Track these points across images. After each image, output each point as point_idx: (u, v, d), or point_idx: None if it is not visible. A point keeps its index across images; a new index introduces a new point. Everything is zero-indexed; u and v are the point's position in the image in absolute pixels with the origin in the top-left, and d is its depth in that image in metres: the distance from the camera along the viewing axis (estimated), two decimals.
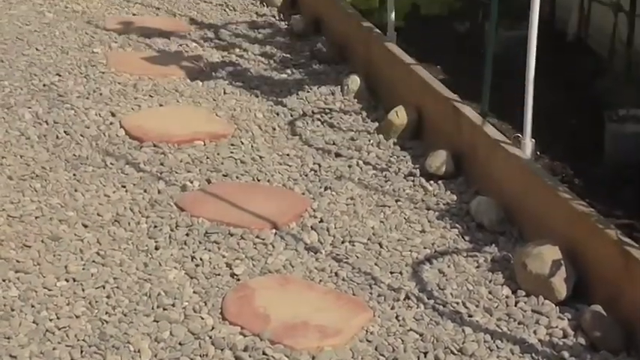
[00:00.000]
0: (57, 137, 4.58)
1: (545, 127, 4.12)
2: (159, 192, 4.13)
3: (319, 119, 4.93)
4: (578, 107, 4.50)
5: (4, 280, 3.44)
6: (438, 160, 4.28)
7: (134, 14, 6.49)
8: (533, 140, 3.91)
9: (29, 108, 4.84)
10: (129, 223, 3.87)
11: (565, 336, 3.19)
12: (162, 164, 4.37)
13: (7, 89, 5.05)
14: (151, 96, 5.14)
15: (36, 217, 3.87)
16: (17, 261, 3.55)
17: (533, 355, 3.09)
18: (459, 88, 4.60)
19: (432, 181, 4.25)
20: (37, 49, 5.65)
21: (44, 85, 5.15)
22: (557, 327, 3.22)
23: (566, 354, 3.08)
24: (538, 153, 4.01)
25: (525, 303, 3.36)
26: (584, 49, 5.12)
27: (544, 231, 3.59)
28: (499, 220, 3.86)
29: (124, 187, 4.16)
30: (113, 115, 4.84)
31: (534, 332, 3.21)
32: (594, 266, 3.34)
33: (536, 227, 3.68)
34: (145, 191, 4.13)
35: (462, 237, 3.83)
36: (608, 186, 3.81)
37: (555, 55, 4.91)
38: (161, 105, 5.06)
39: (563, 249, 3.39)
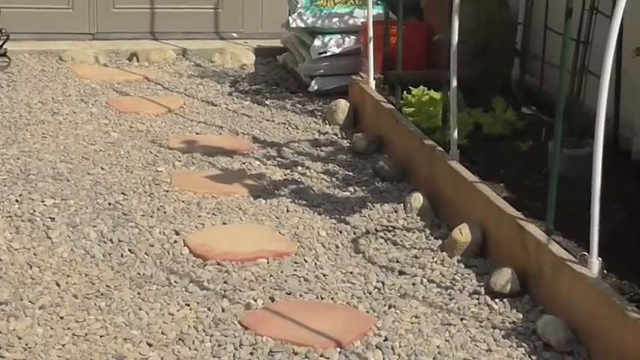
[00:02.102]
0: (121, 255, 4.63)
1: (612, 246, 4.08)
2: (223, 310, 4.14)
3: (382, 237, 4.93)
4: None
5: None
6: (503, 278, 4.25)
7: (197, 133, 6.60)
8: (600, 259, 3.87)
9: (94, 227, 4.91)
10: (193, 342, 3.87)
11: None
12: (225, 282, 4.39)
13: (73, 208, 5.13)
14: (214, 214, 5.19)
15: (101, 336, 3.88)
16: None
17: None
18: (522, 206, 4.60)
19: (497, 300, 4.21)
20: (102, 168, 5.75)
21: (109, 204, 5.23)
22: None
23: None
24: (605, 272, 3.96)
25: None
26: None
27: (613, 351, 3.53)
28: (567, 340, 3.80)
29: (188, 305, 4.18)
30: (177, 233, 4.89)
31: None
32: None
33: (606, 347, 3.62)
34: (209, 309, 4.14)
35: (529, 356, 3.78)
36: None
37: (620, 173, 4.89)
38: (224, 223, 5.10)
39: None
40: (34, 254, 4.56)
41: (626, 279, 3.98)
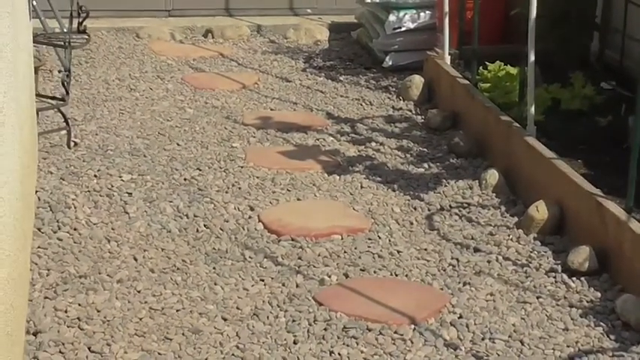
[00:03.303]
0: (197, 231, 4.66)
1: None
2: (297, 286, 4.15)
3: (457, 214, 4.90)
4: None
5: None
6: (581, 256, 4.19)
7: (272, 109, 6.61)
8: None
9: (170, 202, 4.95)
10: (267, 317, 3.89)
11: None
12: (300, 258, 4.40)
13: (150, 183, 5.18)
14: (288, 190, 5.20)
15: (177, 310, 3.92)
16: (159, 353, 3.60)
17: None
18: (601, 183, 4.53)
19: (574, 278, 4.16)
20: (177, 144, 5.79)
21: (185, 180, 5.27)
22: None
23: None
24: None
25: None
26: None
27: None
28: None
29: (263, 280, 4.20)
30: (252, 209, 4.91)
31: None
32: None
33: None
34: (284, 285, 4.15)
35: (608, 336, 3.73)
36: None
37: None
38: (299, 199, 5.11)
39: None
40: (112, 229, 4.62)
41: None
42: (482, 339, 3.72)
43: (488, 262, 4.36)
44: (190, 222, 4.75)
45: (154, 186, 5.15)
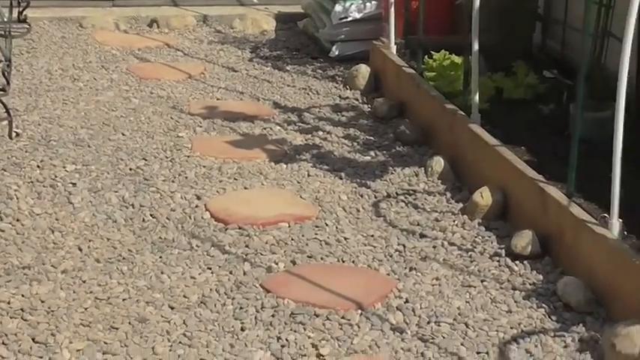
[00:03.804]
0: (143, 220, 4.65)
1: (633, 208, 4.07)
2: (244, 273, 4.16)
3: (403, 200, 4.94)
4: None
5: None
6: (524, 240, 4.25)
7: (218, 99, 6.61)
8: (621, 220, 3.87)
9: (116, 192, 4.93)
10: (215, 305, 3.90)
11: None
12: (247, 246, 4.41)
13: (94, 173, 5.15)
14: (235, 179, 5.20)
15: (123, 300, 3.92)
16: (105, 342, 3.59)
17: None
18: (543, 169, 4.59)
19: (517, 262, 4.22)
20: (123, 134, 5.77)
21: (130, 170, 5.25)
22: None
23: None
24: (625, 233, 3.95)
25: None
26: None
27: (633, 311, 3.52)
28: (587, 301, 3.80)
29: (210, 269, 4.20)
30: (198, 198, 4.91)
31: None
32: None
33: (626, 307, 3.62)
34: (231, 273, 4.16)
35: (549, 317, 3.79)
36: None
37: None
38: (246, 188, 5.12)
39: None
40: (56, 219, 4.59)
41: None
42: (428, 322, 3.76)
43: (434, 247, 4.41)
44: (136, 212, 4.74)
45: (99, 176, 5.13)
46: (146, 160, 5.40)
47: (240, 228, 4.58)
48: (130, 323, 3.73)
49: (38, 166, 5.19)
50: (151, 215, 4.70)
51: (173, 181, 5.11)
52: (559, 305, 3.86)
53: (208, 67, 7.30)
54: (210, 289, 4.02)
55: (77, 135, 5.72)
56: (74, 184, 4.98)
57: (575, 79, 4.19)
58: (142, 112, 6.19)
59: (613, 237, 3.84)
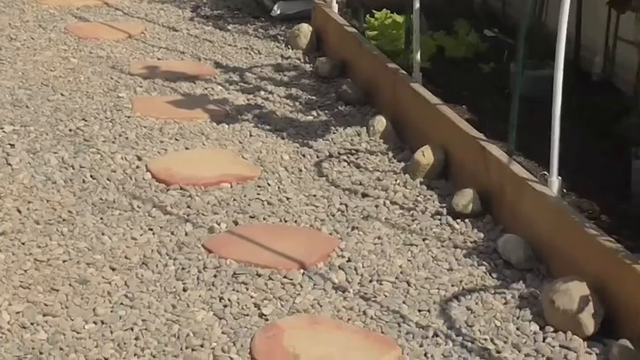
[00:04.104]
0: (83, 181, 4.61)
1: (572, 165, 4.11)
2: (186, 234, 4.14)
3: (345, 160, 4.94)
4: (605, 145, 4.49)
5: (32, 324, 3.45)
6: (465, 198, 4.28)
7: (159, 59, 6.54)
8: (560, 178, 3.91)
9: (55, 153, 4.87)
10: (156, 266, 3.88)
11: None
12: (189, 207, 4.39)
13: (33, 134, 5.09)
14: (177, 139, 5.16)
15: (63, 261, 3.88)
16: (45, 304, 3.57)
17: None
18: (485, 128, 4.62)
19: (458, 220, 4.24)
20: (62, 95, 5.69)
21: (70, 130, 5.19)
22: None
23: None
24: (565, 190, 4.00)
25: (553, 339, 3.35)
26: (609, 88, 5.12)
27: (572, 267, 3.57)
28: (527, 258, 3.84)
29: (151, 229, 4.18)
30: (139, 159, 4.87)
31: None
32: (622, 300, 3.33)
33: (564, 264, 3.66)
34: (173, 234, 4.15)
35: (490, 274, 3.82)
36: (635, 222, 3.79)
37: (581, 94, 4.91)
38: (187, 148, 5.09)
39: (590, 285, 3.38)
40: None
41: (585, 197, 4.03)
42: (370, 281, 3.78)
43: (376, 206, 4.42)
44: (76, 173, 4.69)
45: (38, 137, 5.06)
46: (86, 120, 5.33)
47: (181, 189, 4.55)
48: (70, 285, 3.71)
49: None
50: (91, 176, 4.65)
51: (113, 142, 5.06)
52: (499, 263, 3.89)
53: (148, 27, 7.22)
54: (152, 250, 4.00)
55: (15, 95, 5.63)
56: (12, 145, 4.91)
57: (516, 37, 4.20)
58: (82, 72, 6.11)
59: (552, 194, 3.88)
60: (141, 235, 4.13)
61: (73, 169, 4.72)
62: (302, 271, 3.85)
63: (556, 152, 3.86)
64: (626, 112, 4.66)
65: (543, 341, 3.35)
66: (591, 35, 5.33)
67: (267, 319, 3.51)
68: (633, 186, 4.04)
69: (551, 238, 3.81)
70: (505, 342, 3.35)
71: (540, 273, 3.80)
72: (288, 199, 4.50)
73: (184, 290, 3.70)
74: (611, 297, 3.38)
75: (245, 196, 4.51)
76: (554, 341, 3.34)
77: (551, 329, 3.40)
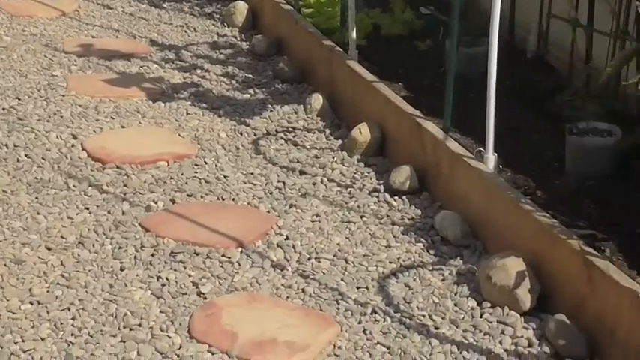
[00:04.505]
0: (17, 161, 4.55)
1: (508, 142, 4.15)
2: (123, 213, 4.12)
3: (283, 138, 4.94)
4: (539, 122, 4.54)
5: None
6: (402, 175, 4.30)
7: (93, 37, 6.47)
8: (496, 154, 3.94)
9: None
10: (93, 245, 3.85)
11: (530, 345, 3.21)
12: (125, 185, 4.36)
13: None
14: (112, 118, 5.12)
15: None
16: None
17: None
18: (421, 105, 4.64)
19: (396, 197, 4.27)
20: None
21: (3, 109, 5.12)
22: (522, 336, 3.25)
23: None
24: (501, 167, 4.04)
25: (491, 314, 3.39)
26: (543, 66, 5.18)
27: (508, 243, 3.61)
28: (463, 234, 3.88)
29: (88, 209, 4.15)
30: (75, 137, 4.82)
31: (500, 342, 3.24)
32: (558, 276, 3.37)
33: (501, 240, 3.70)
34: (109, 213, 4.12)
35: (427, 251, 3.85)
36: (570, 198, 3.85)
37: (515, 71, 4.96)
38: (123, 127, 5.05)
39: (527, 260, 3.42)
40: None
41: (521, 173, 4.07)
42: (309, 259, 3.79)
43: (314, 184, 4.43)
44: (10, 152, 4.63)
45: None
46: (19, 99, 5.26)
47: (118, 167, 4.52)
48: (5, 265, 3.67)
49: None
50: (25, 155, 4.60)
51: (48, 121, 5.01)
52: (437, 239, 3.93)
53: (82, 5, 7.13)
54: (88, 229, 3.97)
55: None
56: None
57: (451, 15, 4.22)
58: (15, 50, 6.02)
59: (488, 171, 3.91)
60: (77, 214, 4.09)
61: (7, 148, 4.66)
62: (240, 249, 3.85)
63: (491, 129, 3.90)
64: (560, 89, 4.72)
65: (481, 317, 3.39)
66: (526, 13, 5.38)
67: (205, 298, 3.50)
68: (567, 162, 4.10)
69: (488, 215, 3.85)
70: (443, 318, 3.38)
71: (477, 249, 3.84)
72: (225, 177, 4.49)
73: (121, 269, 3.68)
74: (547, 272, 3.42)
75: (182, 174, 4.49)
76: (491, 317, 3.38)
77: (489, 305, 3.44)
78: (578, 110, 4.30)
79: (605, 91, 4.41)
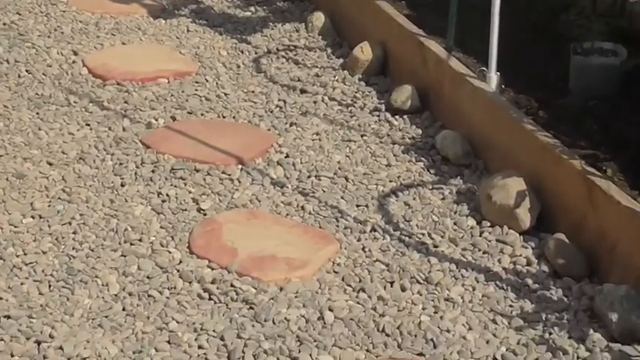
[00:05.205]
0: (19, 76, 4.53)
1: (511, 61, 4.12)
2: (124, 129, 4.11)
3: (284, 56, 4.91)
4: (544, 41, 4.50)
5: None
6: (404, 94, 4.28)
7: None
8: (499, 73, 3.92)
9: None
10: (94, 161, 3.85)
11: (529, 264, 3.23)
12: (126, 102, 4.34)
13: None
14: (113, 34, 5.09)
15: (0, 156, 3.83)
16: None
17: (498, 282, 3.14)
18: (424, 24, 4.60)
19: (397, 116, 4.25)
20: None
21: (4, 24, 5.09)
22: (521, 255, 3.27)
23: (529, 281, 3.13)
24: (503, 86, 4.01)
25: (490, 233, 3.40)
26: None
27: (509, 163, 3.61)
28: (464, 153, 3.87)
29: (88, 125, 4.14)
30: (75, 53, 4.80)
31: (499, 261, 3.25)
32: (558, 196, 3.38)
33: (502, 159, 3.70)
34: (110, 129, 4.11)
35: (428, 170, 3.85)
36: (573, 118, 3.82)
37: None
38: (124, 43, 5.02)
39: (527, 180, 3.42)
40: None
41: (523, 93, 4.04)
42: (309, 177, 3.79)
43: (315, 102, 4.41)
44: (11, 67, 4.61)
45: None
46: (20, 14, 5.23)
47: (118, 84, 4.50)
48: (7, 179, 3.67)
49: None
50: (26, 71, 4.58)
51: (49, 37, 4.98)
52: (437, 158, 3.92)
53: None
54: (89, 145, 3.96)
55: None
56: None
57: None
58: None
59: (491, 90, 3.89)
60: (78, 130, 4.09)
61: (8, 63, 4.64)
62: (240, 166, 3.84)
63: (495, 48, 3.87)
64: (565, 8, 4.66)
65: (480, 236, 3.40)
66: None
67: (205, 214, 3.51)
68: (571, 81, 4.07)
69: (489, 134, 3.83)
70: (442, 236, 3.39)
71: (478, 169, 3.83)
72: (226, 95, 4.47)
73: (122, 185, 3.68)
74: (547, 192, 3.43)
75: (183, 91, 4.47)
76: (490, 235, 3.39)
77: (488, 224, 3.44)
78: (583, 29, 4.26)
79: (611, 9, 4.36)
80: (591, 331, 2.86)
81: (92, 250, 3.26)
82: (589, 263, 3.17)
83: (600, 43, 4.10)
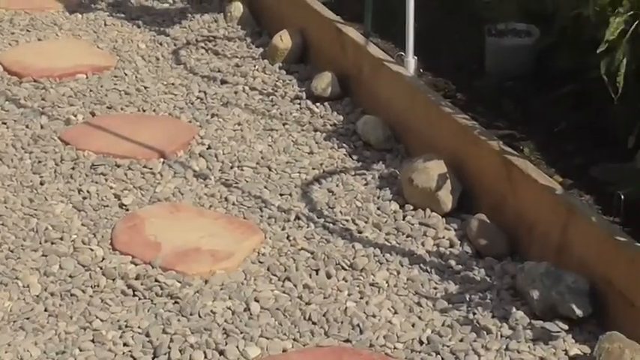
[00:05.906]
0: None
1: (428, 45, 4.15)
2: (42, 127, 4.06)
3: (203, 47, 4.88)
4: (459, 24, 4.53)
5: None
6: (324, 82, 4.29)
7: None
8: (416, 58, 3.94)
9: None
10: (12, 160, 3.79)
11: (452, 245, 3.25)
12: (43, 99, 4.29)
13: None
14: (28, 30, 5.02)
15: None
16: None
17: (422, 265, 3.15)
18: (342, 11, 4.60)
19: (318, 104, 4.26)
20: None
21: None
22: (444, 237, 3.29)
23: (453, 262, 3.15)
24: (421, 70, 4.04)
25: (413, 216, 3.42)
26: None
27: (430, 146, 3.63)
28: (385, 138, 3.89)
29: (5, 123, 4.08)
30: None
31: (422, 244, 3.27)
32: (478, 177, 3.41)
33: (422, 143, 3.72)
34: (27, 127, 4.05)
35: (350, 156, 3.86)
36: (490, 99, 3.86)
37: None
38: (40, 39, 4.95)
39: (448, 162, 3.44)
40: None
41: (441, 76, 4.07)
42: (231, 167, 3.77)
43: (235, 92, 4.39)
44: None
45: None
46: None
47: (35, 81, 4.44)
48: None
49: None
50: None
51: None
52: (359, 144, 3.93)
53: None
54: (7, 144, 3.90)
55: None
56: None
57: None
58: None
59: (409, 74, 3.92)
60: None
61: None
62: (162, 160, 3.82)
63: (411, 32, 3.89)
64: None
65: (403, 219, 3.42)
66: None
67: (127, 210, 3.48)
68: (487, 63, 4.11)
69: (409, 118, 3.86)
70: (366, 222, 3.40)
71: (399, 153, 3.85)
72: (145, 88, 4.43)
73: (41, 184, 3.63)
74: (468, 173, 3.46)
75: (102, 86, 4.43)
76: (413, 219, 3.41)
77: (411, 207, 3.46)
78: (495, 11, 4.29)
79: None
80: (514, 309, 2.89)
81: (12, 251, 3.20)
82: (510, 242, 3.20)
83: (514, 24, 4.14)
